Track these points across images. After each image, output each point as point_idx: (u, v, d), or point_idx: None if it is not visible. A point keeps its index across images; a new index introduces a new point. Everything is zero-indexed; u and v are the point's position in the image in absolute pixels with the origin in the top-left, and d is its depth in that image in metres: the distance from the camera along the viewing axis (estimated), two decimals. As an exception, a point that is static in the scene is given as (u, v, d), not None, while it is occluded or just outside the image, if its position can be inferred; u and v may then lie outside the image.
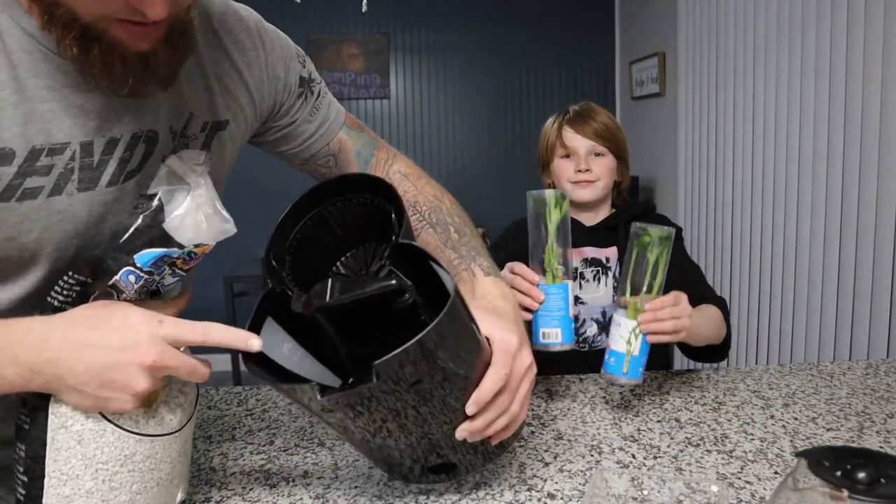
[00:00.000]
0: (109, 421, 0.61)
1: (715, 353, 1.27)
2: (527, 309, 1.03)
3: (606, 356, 1.04)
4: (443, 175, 4.32)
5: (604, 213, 1.41)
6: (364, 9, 1.07)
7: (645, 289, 1.01)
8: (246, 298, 4.25)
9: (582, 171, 1.34)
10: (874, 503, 0.51)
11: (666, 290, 1.04)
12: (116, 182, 0.67)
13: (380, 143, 0.98)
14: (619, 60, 4.30)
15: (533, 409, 1.05)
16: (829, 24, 2.14)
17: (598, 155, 1.36)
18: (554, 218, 1.04)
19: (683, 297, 1.05)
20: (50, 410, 0.60)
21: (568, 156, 1.37)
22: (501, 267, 1.19)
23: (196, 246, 0.63)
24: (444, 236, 0.89)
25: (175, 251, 0.61)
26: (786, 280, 2.42)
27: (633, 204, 1.44)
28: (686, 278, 1.28)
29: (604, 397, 1.10)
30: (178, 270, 0.65)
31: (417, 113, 4.35)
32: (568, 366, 1.25)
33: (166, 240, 0.62)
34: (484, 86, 4.35)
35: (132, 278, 0.60)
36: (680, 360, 3.31)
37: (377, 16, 4.25)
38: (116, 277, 0.60)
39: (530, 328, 1.04)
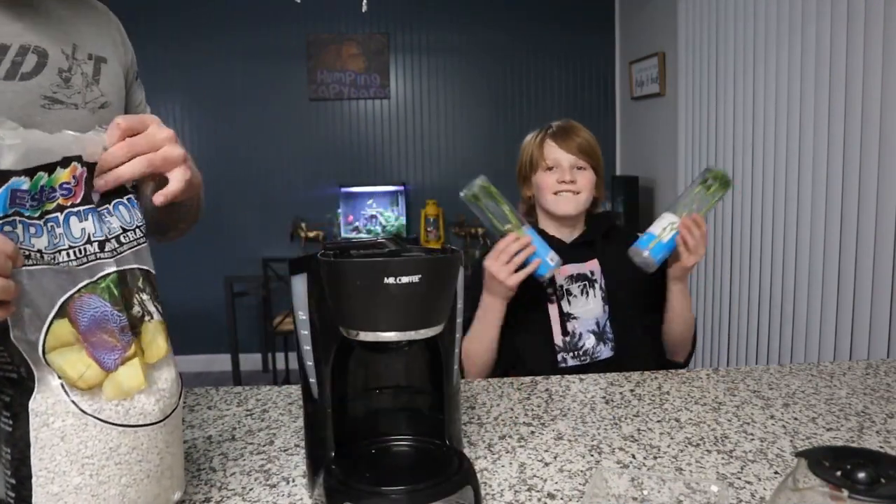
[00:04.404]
0: (90, 415, 0.61)
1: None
2: (523, 268, 1.27)
3: (641, 236, 1.32)
4: (442, 175, 4.32)
5: (579, 229, 1.48)
6: (364, 8, 1.07)
7: (695, 208, 1.32)
8: (246, 298, 4.25)
9: (566, 182, 1.40)
10: (874, 503, 0.51)
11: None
12: (13, 78, 0.78)
13: None
14: (619, 60, 4.30)
15: (533, 409, 1.05)
16: (828, 24, 2.14)
17: (580, 169, 1.42)
18: (493, 192, 1.31)
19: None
20: (30, 409, 0.60)
21: (551, 168, 1.42)
22: (476, 304, 1.28)
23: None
24: None
25: None
26: (786, 280, 2.42)
27: (600, 217, 1.52)
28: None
29: (604, 397, 1.10)
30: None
31: (417, 113, 4.35)
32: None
33: None
34: (484, 86, 4.35)
35: None
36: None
37: (377, 15, 4.24)
38: None
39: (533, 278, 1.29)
